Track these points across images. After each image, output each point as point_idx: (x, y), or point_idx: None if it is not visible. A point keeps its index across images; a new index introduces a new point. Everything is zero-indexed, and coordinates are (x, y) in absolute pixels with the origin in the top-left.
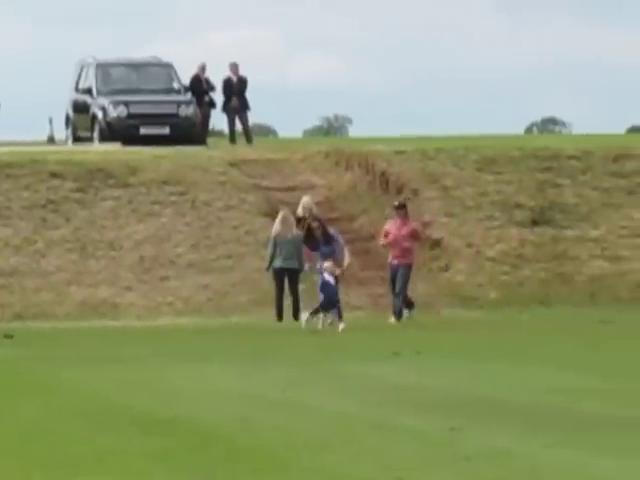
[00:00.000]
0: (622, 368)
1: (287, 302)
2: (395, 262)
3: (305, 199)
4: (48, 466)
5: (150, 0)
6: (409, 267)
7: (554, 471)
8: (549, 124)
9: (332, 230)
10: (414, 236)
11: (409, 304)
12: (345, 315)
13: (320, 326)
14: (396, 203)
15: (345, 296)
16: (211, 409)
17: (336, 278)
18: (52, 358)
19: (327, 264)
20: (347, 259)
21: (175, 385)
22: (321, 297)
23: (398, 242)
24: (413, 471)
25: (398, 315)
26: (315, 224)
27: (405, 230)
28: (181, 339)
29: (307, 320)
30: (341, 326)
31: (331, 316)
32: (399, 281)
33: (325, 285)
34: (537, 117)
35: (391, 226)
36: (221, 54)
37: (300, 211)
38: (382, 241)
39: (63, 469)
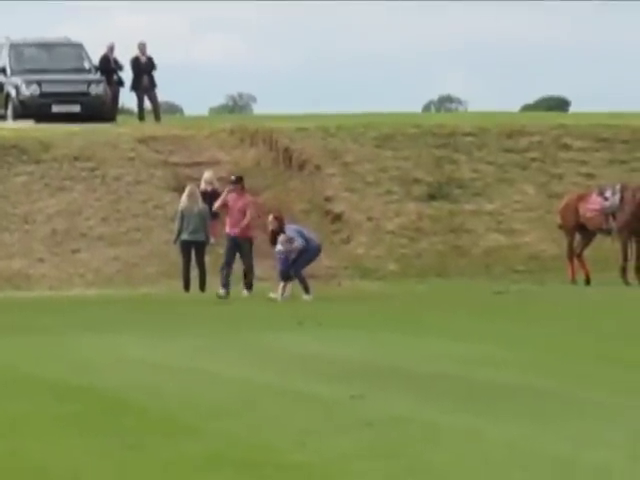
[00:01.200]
0: (515, 337)
1: (194, 274)
2: (231, 232)
3: (206, 174)
4: None
5: None
6: (248, 241)
7: (453, 436)
8: (446, 102)
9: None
10: (247, 208)
11: (250, 285)
12: (254, 286)
13: (276, 295)
14: (233, 178)
15: (255, 269)
16: (121, 377)
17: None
18: None
19: (282, 237)
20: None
21: (86, 354)
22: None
23: (233, 214)
24: (315, 436)
25: (226, 287)
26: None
27: (240, 203)
28: (92, 309)
29: (283, 296)
30: (305, 297)
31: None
32: (245, 259)
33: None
34: (434, 95)
35: (230, 198)
36: (128, 36)
37: (203, 185)
38: (216, 206)
39: None
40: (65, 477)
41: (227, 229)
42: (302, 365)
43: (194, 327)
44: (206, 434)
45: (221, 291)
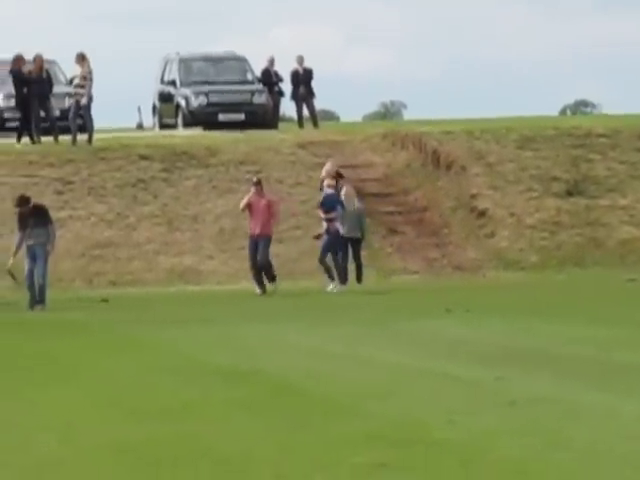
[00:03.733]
0: None
1: (351, 267)
2: (254, 233)
3: (328, 165)
4: (139, 414)
5: (220, 1)
6: (267, 238)
7: (591, 413)
8: (581, 106)
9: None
10: (269, 208)
11: (272, 277)
12: (403, 278)
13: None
14: (254, 179)
15: (402, 261)
16: (284, 363)
17: None
18: (143, 320)
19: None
20: None
21: (252, 342)
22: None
23: (257, 216)
24: (464, 414)
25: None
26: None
27: (262, 203)
28: (257, 302)
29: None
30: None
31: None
32: (260, 252)
33: None
34: (570, 99)
35: (252, 199)
36: (285, 47)
37: (323, 174)
38: (242, 205)
39: (152, 417)
40: (235, 457)
41: (250, 231)
42: (450, 349)
43: (350, 316)
44: (362, 414)
45: (257, 290)
